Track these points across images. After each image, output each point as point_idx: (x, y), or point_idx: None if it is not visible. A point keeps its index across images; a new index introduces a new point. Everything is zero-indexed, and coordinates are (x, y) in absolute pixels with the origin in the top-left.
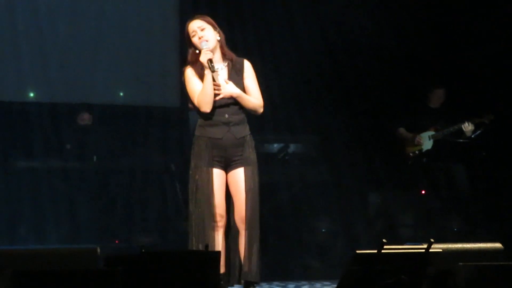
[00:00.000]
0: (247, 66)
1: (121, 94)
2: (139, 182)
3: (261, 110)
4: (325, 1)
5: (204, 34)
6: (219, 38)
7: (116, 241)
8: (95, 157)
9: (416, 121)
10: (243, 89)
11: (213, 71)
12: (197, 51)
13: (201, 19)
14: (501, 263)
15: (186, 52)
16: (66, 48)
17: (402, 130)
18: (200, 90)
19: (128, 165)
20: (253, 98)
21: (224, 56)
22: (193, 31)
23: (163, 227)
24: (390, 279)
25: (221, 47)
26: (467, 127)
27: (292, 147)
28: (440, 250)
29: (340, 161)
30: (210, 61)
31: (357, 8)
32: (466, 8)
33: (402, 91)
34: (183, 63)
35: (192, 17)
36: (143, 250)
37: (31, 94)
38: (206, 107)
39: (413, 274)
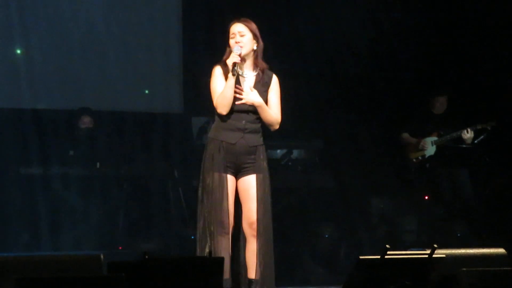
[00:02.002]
0: (275, 80)
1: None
2: (142, 188)
3: (277, 126)
4: (329, 7)
5: (242, 40)
6: (255, 47)
7: (120, 248)
8: (98, 164)
9: (420, 127)
10: (266, 101)
11: (233, 74)
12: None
13: (244, 24)
14: (505, 268)
15: (189, 59)
16: (69, 54)
17: (405, 135)
18: (221, 92)
19: (131, 171)
20: (273, 112)
21: (256, 66)
22: (232, 33)
23: (166, 233)
24: (393, 284)
25: (255, 57)
26: (466, 134)
27: (295, 153)
28: (444, 255)
29: (343, 167)
30: (234, 64)
31: (361, 15)
32: (469, 15)
33: (406, 97)
34: (187, 70)
35: (237, 18)
36: (146, 256)
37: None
38: (223, 109)
39: (417, 279)
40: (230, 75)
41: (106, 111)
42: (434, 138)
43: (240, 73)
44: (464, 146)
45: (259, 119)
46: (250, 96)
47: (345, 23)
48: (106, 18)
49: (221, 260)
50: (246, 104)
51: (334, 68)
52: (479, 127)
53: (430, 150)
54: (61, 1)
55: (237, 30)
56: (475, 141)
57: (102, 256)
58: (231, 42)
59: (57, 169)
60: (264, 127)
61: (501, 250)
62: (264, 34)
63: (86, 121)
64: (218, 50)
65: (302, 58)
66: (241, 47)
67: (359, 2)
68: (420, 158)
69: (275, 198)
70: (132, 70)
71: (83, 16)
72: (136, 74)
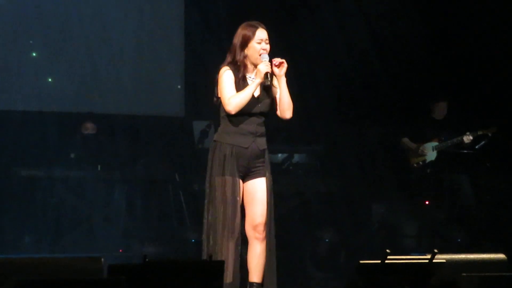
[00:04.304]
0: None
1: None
2: (143, 191)
3: (291, 112)
4: (332, 12)
5: (267, 48)
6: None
7: (120, 250)
8: (99, 166)
9: (420, 132)
10: (272, 101)
11: (267, 83)
12: (247, 55)
13: (267, 32)
14: (505, 274)
15: (191, 63)
16: (71, 57)
17: (406, 140)
18: (241, 92)
19: (132, 174)
20: None
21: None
22: (260, 39)
23: (167, 236)
24: None
25: None
26: (467, 137)
27: (296, 157)
28: (444, 260)
29: (344, 172)
30: (267, 74)
31: (363, 21)
32: (470, 21)
33: (407, 102)
34: (188, 74)
35: (260, 23)
36: (146, 259)
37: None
38: (234, 110)
39: (417, 284)
40: (258, 80)
41: (107, 114)
42: (435, 144)
43: (269, 79)
44: (465, 151)
45: (264, 122)
46: (280, 69)
47: (346, 28)
48: (109, 23)
49: (221, 263)
50: (257, 108)
51: (334, 73)
52: (480, 133)
53: (431, 155)
54: (68, 6)
55: (265, 37)
56: (476, 147)
57: (102, 259)
58: (257, 47)
59: (58, 171)
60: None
61: (501, 256)
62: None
63: (89, 127)
64: (219, 54)
65: (303, 63)
66: (267, 54)
67: (361, 8)
68: (420, 163)
69: (275, 203)
70: (134, 74)
71: (86, 21)
72: (137, 78)
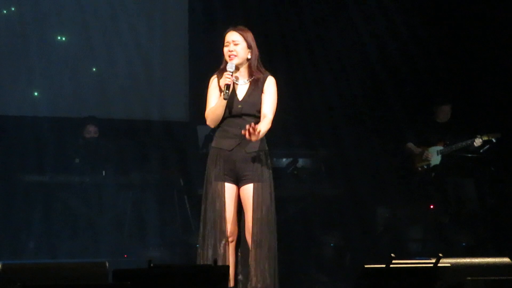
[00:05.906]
0: (269, 81)
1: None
2: (147, 196)
3: (270, 125)
4: (336, 20)
5: (235, 49)
6: (249, 57)
7: (125, 255)
8: (104, 172)
9: (424, 136)
10: (256, 103)
11: (224, 98)
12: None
13: (239, 33)
14: (510, 277)
15: (195, 67)
16: (76, 62)
17: (410, 145)
18: (212, 107)
19: (136, 179)
20: (265, 120)
21: (250, 74)
22: (227, 42)
23: (172, 241)
24: None
25: (250, 66)
26: (477, 141)
27: (301, 162)
28: (449, 264)
29: (349, 176)
30: (227, 87)
31: (364, 26)
32: (473, 24)
33: (410, 106)
34: (193, 78)
35: (233, 26)
36: (151, 264)
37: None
38: (211, 123)
39: None
40: (221, 96)
41: (111, 119)
42: (440, 148)
43: (228, 92)
44: (469, 155)
45: (257, 124)
46: (253, 138)
47: (349, 34)
48: (114, 28)
49: (226, 268)
50: (239, 109)
51: (338, 77)
52: (484, 138)
53: (436, 159)
54: (68, 10)
55: (231, 38)
56: (481, 151)
57: (107, 264)
58: (225, 50)
59: (63, 176)
60: (267, 133)
61: (506, 260)
62: (272, 42)
63: (91, 131)
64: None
65: (308, 68)
66: (235, 56)
67: (365, 12)
68: (425, 167)
69: (280, 207)
70: (139, 78)
71: (89, 25)
72: (142, 83)
